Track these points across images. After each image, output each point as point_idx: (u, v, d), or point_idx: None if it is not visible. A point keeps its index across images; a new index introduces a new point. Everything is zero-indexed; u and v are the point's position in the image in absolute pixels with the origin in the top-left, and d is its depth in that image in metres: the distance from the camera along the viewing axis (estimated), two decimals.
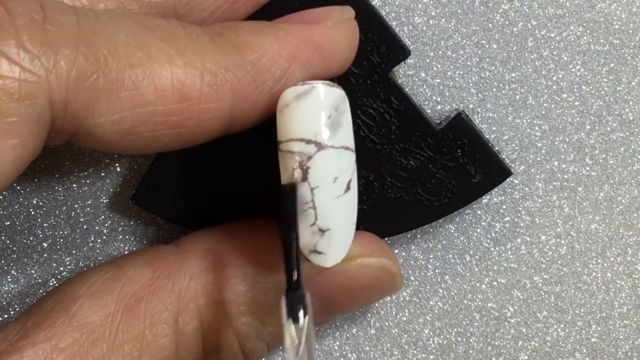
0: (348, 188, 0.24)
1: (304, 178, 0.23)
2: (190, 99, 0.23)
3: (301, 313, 0.22)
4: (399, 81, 0.28)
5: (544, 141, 0.30)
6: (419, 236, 0.31)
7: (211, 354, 0.26)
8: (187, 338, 0.25)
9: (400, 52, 0.27)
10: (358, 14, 0.26)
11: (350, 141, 0.24)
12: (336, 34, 0.25)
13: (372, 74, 0.27)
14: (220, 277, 0.26)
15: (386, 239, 0.30)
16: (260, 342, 0.26)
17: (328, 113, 0.23)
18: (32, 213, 0.30)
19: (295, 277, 0.23)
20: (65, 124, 0.22)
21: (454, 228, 0.31)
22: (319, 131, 0.23)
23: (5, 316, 0.31)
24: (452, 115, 0.28)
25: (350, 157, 0.24)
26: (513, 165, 0.30)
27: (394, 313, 0.31)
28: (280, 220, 0.23)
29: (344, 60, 0.25)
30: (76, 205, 0.30)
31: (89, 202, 0.30)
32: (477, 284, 0.31)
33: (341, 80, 0.26)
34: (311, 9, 0.25)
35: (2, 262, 0.30)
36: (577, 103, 0.30)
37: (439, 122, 0.28)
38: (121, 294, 0.25)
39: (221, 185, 0.28)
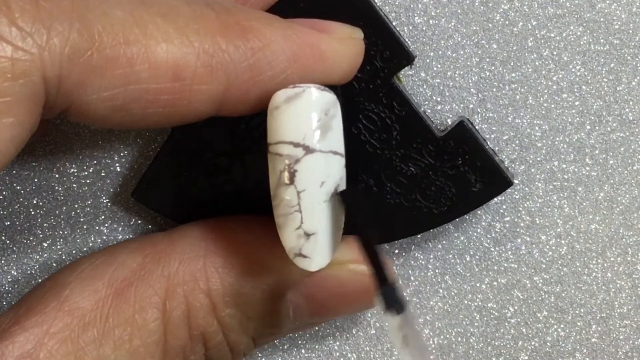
0: (335, 193, 0.24)
1: (291, 181, 0.23)
2: (183, 78, 0.22)
3: (397, 304, 0.22)
4: (402, 85, 0.28)
5: (544, 141, 0.30)
6: (419, 236, 0.31)
7: (198, 342, 0.26)
8: (174, 323, 0.25)
9: (404, 58, 0.27)
10: (363, 17, 0.26)
11: (339, 146, 0.24)
12: (342, 48, 0.25)
13: (375, 78, 0.27)
14: (209, 265, 0.26)
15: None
16: (245, 336, 0.26)
17: (318, 117, 0.23)
18: (32, 213, 0.30)
19: (380, 273, 0.22)
20: (58, 100, 0.22)
21: (454, 228, 0.31)
22: (308, 135, 0.23)
23: None
24: (455, 122, 0.28)
25: (339, 162, 0.24)
26: (513, 165, 0.30)
27: None
28: (352, 222, 0.23)
29: (343, 75, 0.25)
30: (76, 205, 0.30)
31: (89, 202, 0.30)
32: (477, 284, 0.31)
33: (344, 83, 0.26)
34: (322, 20, 0.25)
35: (2, 262, 0.30)
36: (577, 103, 0.30)
37: (441, 128, 0.28)
38: (112, 278, 0.25)
39: (220, 184, 0.28)
